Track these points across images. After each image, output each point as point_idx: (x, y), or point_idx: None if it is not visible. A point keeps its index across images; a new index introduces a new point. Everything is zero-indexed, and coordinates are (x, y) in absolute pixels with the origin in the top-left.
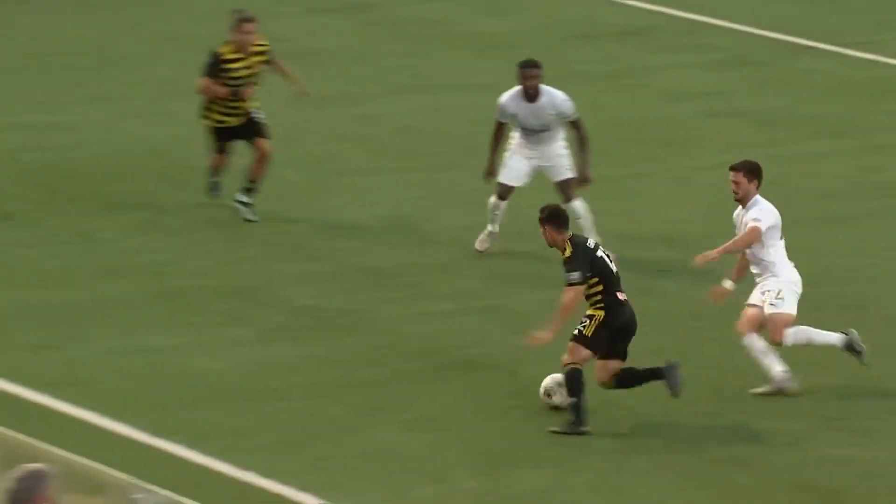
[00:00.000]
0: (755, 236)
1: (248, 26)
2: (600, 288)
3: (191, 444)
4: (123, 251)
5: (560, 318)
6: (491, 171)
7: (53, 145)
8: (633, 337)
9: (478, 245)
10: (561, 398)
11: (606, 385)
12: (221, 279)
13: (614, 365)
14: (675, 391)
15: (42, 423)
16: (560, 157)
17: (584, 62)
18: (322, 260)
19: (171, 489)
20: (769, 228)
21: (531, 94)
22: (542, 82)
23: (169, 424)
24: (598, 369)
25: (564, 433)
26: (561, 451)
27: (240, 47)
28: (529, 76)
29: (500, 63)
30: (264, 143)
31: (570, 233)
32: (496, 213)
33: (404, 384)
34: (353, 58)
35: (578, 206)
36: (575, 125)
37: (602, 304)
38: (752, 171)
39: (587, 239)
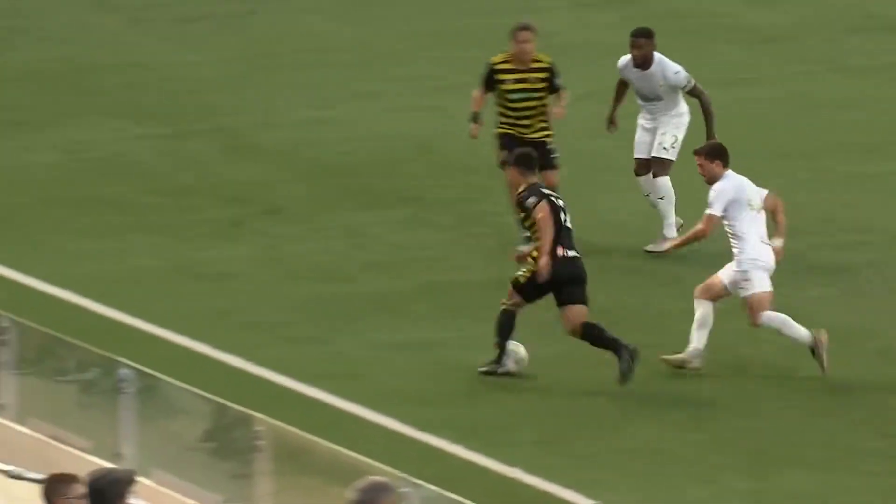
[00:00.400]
0: (709, 226)
1: (522, 34)
2: (533, 227)
3: (456, 439)
4: (391, 246)
5: (546, 235)
6: (612, 121)
7: (323, 141)
8: (585, 284)
9: (651, 247)
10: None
11: (574, 334)
12: (488, 274)
13: (576, 311)
14: (623, 376)
15: (310, 416)
16: (664, 134)
17: (861, 54)
18: (586, 256)
19: (436, 484)
20: (729, 204)
21: (638, 63)
22: (654, 50)
23: (435, 419)
24: (562, 320)
25: (488, 373)
26: (832, 454)
27: (514, 58)
28: (635, 45)
29: (773, 57)
30: (552, 176)
31: (535, 179)
32: (647, 195)
33: (671, 382)
34: (621, 52)
35: (662, 184)
36: (693, 94)
37: (533, 262)
38: (710, 152)
39: (543, 187)
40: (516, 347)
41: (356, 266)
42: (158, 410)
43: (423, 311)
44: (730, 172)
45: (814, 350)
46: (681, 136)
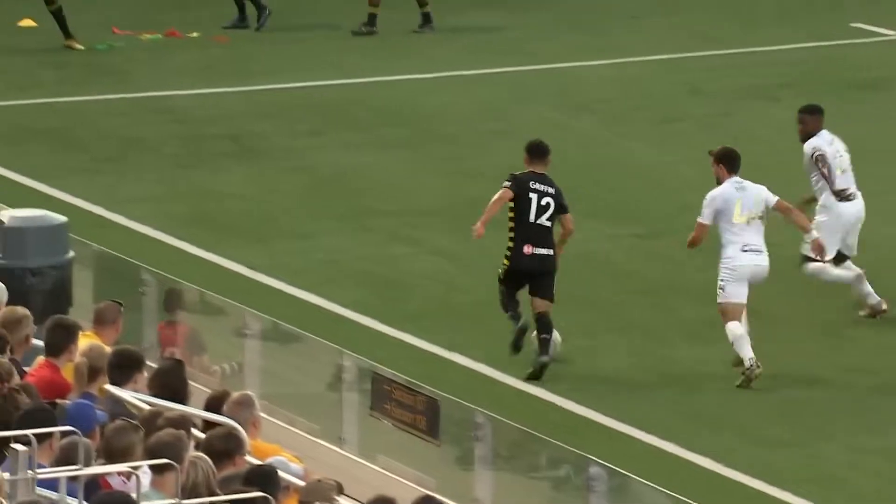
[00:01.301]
0: (699, 232)
1: None
2: (512, 218)
3: None
4: (870, 348)
5: (488, 211)
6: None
7: (795, 240)
8: (545, 278)
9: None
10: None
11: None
12: None
13: (538, 303)
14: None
15: None
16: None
17: None
18: None
19: None
20: (717, 213)
21: (801, 138)
22: (817, 127)
23: None
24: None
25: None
26: None
27: None
28: (798, 120)
29: None
30: None
31: (539, 170)
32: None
33: None
34: None
35: (808, 270)
36: (814, 164)
37: (508, 254)
38: (717, 156)
39: (539, 180)
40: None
41: (833, 368)
42: None
43: None
44: (732, 179)
45: (745, 373)
46: (818, 235)
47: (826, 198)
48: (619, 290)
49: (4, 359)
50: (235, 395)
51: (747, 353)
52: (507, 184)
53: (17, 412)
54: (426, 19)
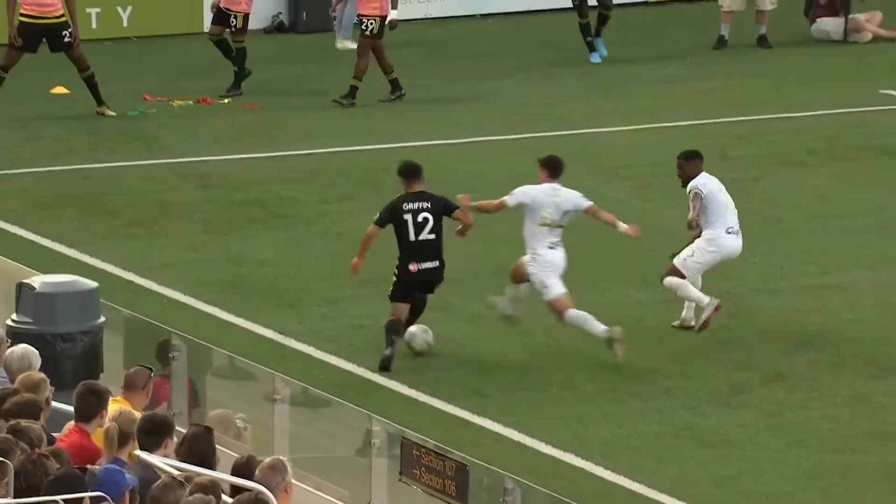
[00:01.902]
0: (498, 204)
1: None
2: (398, 243)
3: None
4: None
5: (361, 246)
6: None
7: (827, 307)
8: (423, 295)
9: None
10: (420, 345)
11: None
12: None
13: (401, 308)
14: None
15: None
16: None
17: None
18: None
19: None
20: (525, 207)
21: (682, 183)
22: (693, 172)
23: None
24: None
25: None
26: None
27: None
28: (676, 166)
29: None
30: None
31: (415, 189)
32: None
33: None
34: None
35: (668, 283)
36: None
37: (396, 271)
38: (542, 162)
39: (413, 199)
40: (425, 331)
41: (861, 434)
42: None
43: None
44: (551, 185)
45: (609, 343)
46: (697, 256)
47: (709, 231)
48: (649, 355)
49: (37, 425)
50: (268, 459)
51: (600, 327)
52: (375, 218)
53: (46, 478)
54: (395, 86)
